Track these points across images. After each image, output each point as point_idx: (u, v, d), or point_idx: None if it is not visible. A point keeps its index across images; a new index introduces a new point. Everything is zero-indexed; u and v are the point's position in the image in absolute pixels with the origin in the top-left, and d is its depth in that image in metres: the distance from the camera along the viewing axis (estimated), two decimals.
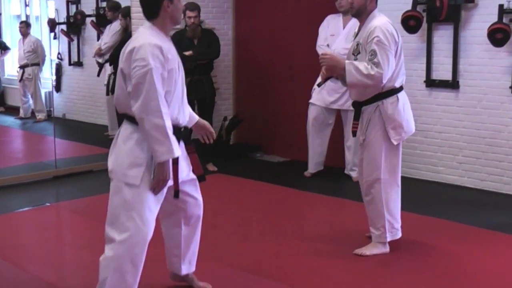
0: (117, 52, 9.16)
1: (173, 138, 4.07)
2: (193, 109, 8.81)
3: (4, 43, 11.92)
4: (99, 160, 8.63)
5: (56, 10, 10.71)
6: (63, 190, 7.95)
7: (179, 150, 4.15)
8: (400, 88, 5.49)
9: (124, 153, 4.13)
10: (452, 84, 7.74)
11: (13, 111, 12.13)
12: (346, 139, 8.15)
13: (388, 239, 5.56)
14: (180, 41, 8.50)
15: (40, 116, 11.35)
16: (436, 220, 6.55)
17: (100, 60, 9.74)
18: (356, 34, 5.58)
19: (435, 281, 5.07)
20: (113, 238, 4.11)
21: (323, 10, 8.19)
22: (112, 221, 4.15)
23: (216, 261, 5.45)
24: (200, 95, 8.64)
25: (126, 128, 4.19)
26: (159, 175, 4.10)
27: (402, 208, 6.79)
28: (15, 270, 5.35)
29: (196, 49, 8.50)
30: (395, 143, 5.48)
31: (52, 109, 10.45)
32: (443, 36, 7.81)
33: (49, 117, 10.97)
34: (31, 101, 11.57)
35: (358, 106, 5.54)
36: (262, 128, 9.85)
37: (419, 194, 7.57)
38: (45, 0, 11.31)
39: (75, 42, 10.80)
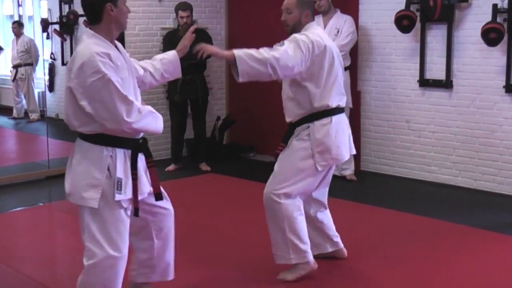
0: None
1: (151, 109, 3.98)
2: (186, 109, 8.83)
3: None
4: None
5: (49, 10, 10.67)
6: (56, 190, 7.92)
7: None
8: (337, 110, 4.97)
9: (79, 175, 3.91)
10: (446, 84, 7.74)
11: (6, 111, 12.10)
12: None
13: (294, 261, 4.95)
14: (172, 40, 8.49)
15: (33, 116, 11.32)
16: (430, 220, 6.55)
17: None
18: None
19: (429, 281, 5.06)
20: (84, 264, 3.95)
21: (315, 11, 8.16)
22: (83, 246, 3.97)
23: (208, 262, 5.44)
24: (193, 95, 8.64)
25: (79, 147, 3.96)
26: None
27: (396, 208, 6.82)
28: (7, 270, 5.33)
29: (189, 49, 8.48)
30: (319, 169, 4.90)
31: (45, 109, 10.43)
32: (436, 36, 7.80)
33: (42, 117, 10.94)
34: (24, 101, 11.54)
35: (290, 128, 5.02)
36: (255, 128, 9.84)
37: (413, 194, 7.58)
38: (38, 0, 11.28)
39: (68, 42, 10.75)
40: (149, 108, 3.94)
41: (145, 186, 4.08)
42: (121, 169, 3.91)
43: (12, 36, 11.66)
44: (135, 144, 3.99)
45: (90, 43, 3.83)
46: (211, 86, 9.43)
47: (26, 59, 11.38)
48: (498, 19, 7.15)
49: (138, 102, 3.91)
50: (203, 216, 6.85)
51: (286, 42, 4.72)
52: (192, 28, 4.55)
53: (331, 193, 7.50)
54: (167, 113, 9.12)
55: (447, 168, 7.89)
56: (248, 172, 8.69)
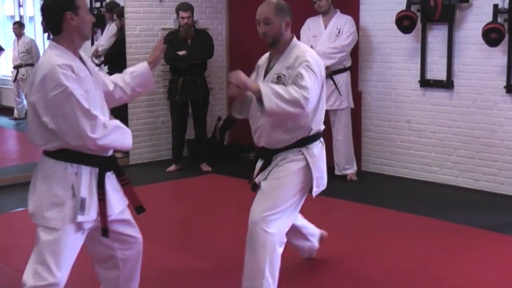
0: (113, 52, 9.21)
1: (119, 123, 3.74)
2: (187, 110, 8.83)
3: None
4: None
5: None
6: None
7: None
8: (321, 134, 4.60)
9: (42, 193, 3.69)
10: (447, 84, 7.73)
11: (7, 111, 12.13)
12: (334, 140, 8.12)
13: None
14: (173, 41, 8.51)
15: None
16: (430, 220, 6.54)
17: (97, 61, 9.72)
18: (271, 66, 4.55)
19: (429, 281, 5.06)
20: (24, 283, 3.66)
21: (315, 11, 8.15)
22: (28, 265, 3.71)
23: (210, 263, 5.44)
24: (194, 95, 8.64)
25: (44, 164, 3.76)
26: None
27: (396, 208, 6.82)
28: (8, 270, 5.33)
29: (190, 49, 8.50)
30: (314, 196, 4.55)
31: None
32: (437, 36, 7.80)
33: None
34: (25, 102, 11.55)
35: (268, 155, 4.56)
36: None
37: (414, 194, 7.57)
38: (39, 0, 11.29)
39: None
40: (116, 122, 3.73)
41: (115, 207, 3.83)
42: (86, 188, 3.69)
43: (13, 36, 11.68)
44: (103, 162, 3.76)
45: (51, 54, 3.64)
46: (211, 86, 9.43)
47: (27, 60, 11.41)
48: (499, 20, 7.15)
49: (104, 117, 3.70)
50: (204, 216, 6.85)
51: (303, 72, 4.24)
52: (161, 38, 4.32)
53: (332, 194, 7.53)
54: (168, 113, 9.13)
55: (448, 169, 7.88)
56: (249, 172, 8.68)
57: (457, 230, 6.26)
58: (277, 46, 4.48)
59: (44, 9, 3.71)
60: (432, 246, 5.82)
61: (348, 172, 8.13)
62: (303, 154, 4.45)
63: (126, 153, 9.12)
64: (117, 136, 3.69)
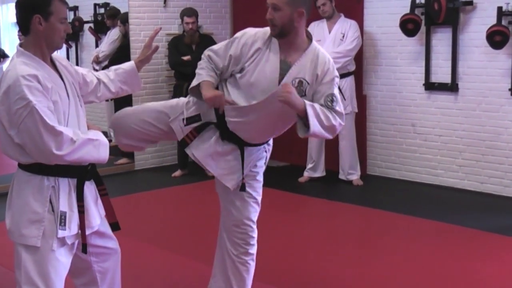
0: (116, 58, 9.20)
1: (94, 135, 3.50)
2: None
3: (3, 51, 11.90)
4: None
5: None
6: None
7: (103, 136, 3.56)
8: None
9: (19, 209, 3.45)
10: (451, 87, 7.73)
11: None
12: (339, 144, 8.12)
13: None
14: (177, 46, 8.53)
15: None
16: (436, 223, 6.54)
17: (98, 68, 9.73)
18: (285, 60, 4.06)
19: (436, 284, 5.06)
20: None
21: (319, 16, 8.16)
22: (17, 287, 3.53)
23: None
24: None
25: (19, 178, 3.50)
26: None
27: (402, 211, 6.82)
28: (12, 275, 5.33)
29: (194, 54, 8.51)
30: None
31: None
32: (441, 39, 7.80)
33: None
34: None
35: (240, 144, 4.29)
36: None
37: (419, 198, 7.56)
38: None
39: (73, 48, 10.79)
40: (89, 135, 3.46)
41: (94, 218, 3.61)
42: (65, 201, 3.45)
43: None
44: (82, 172, 3.53)
45: (17, 63, 3.37)
46: None
47: None
48: (503, 22, 7.15)
49: (80, 126, 3.51)
50: (209, 221, 6.84)
51: (336, 94, 4.00)
52: (153, 34, 4.03)
53: (337, 197, 7.54)
54: None
55: (453, 172, 7.88)
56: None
57: (462, 232, 6.26)
58: (287, 38, 4.02)
59: (16, 5, 3.45)
60: (437, 249, 5.82)
61: (353, 178, 8.11)
62: (265, 150, 4.53)
63: (131, 158, 9.13)
64: (89, 149, 3.42)
